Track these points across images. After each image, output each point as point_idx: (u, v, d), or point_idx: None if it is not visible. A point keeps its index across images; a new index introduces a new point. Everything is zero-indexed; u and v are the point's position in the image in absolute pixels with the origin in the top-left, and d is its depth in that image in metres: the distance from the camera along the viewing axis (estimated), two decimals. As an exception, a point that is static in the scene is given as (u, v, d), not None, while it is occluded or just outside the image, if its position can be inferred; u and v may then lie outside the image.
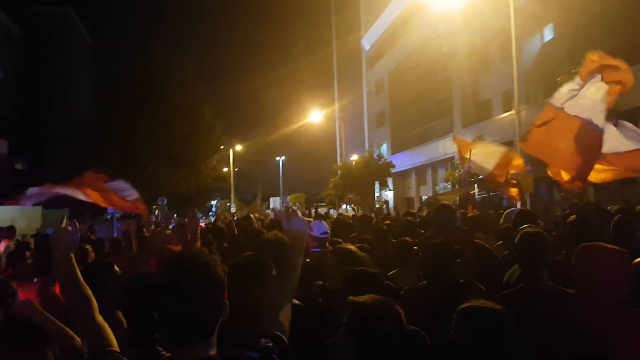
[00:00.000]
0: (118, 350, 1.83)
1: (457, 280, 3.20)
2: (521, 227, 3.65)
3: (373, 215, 10.20)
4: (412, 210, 17.21)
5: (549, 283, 2.96)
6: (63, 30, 69.30)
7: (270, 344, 1.77)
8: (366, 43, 57.53)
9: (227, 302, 1.65)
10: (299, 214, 2.85)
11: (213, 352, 1.61)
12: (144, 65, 32.74)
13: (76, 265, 2.06)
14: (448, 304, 2.22)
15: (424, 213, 12.50)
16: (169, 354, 1.70)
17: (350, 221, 8.64)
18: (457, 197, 17.54)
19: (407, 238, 5.01)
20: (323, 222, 5.79)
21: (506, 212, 6.43)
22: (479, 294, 2.37)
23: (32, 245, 9.03)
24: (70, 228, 2.06)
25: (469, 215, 6.35)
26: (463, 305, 2.17)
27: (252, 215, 9.64)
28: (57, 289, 4.39)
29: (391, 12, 48.57)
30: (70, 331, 2.46)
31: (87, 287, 2.05)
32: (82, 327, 1.99)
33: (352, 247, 3.52)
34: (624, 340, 2.34)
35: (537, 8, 25.81)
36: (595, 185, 18.26)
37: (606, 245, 2.76)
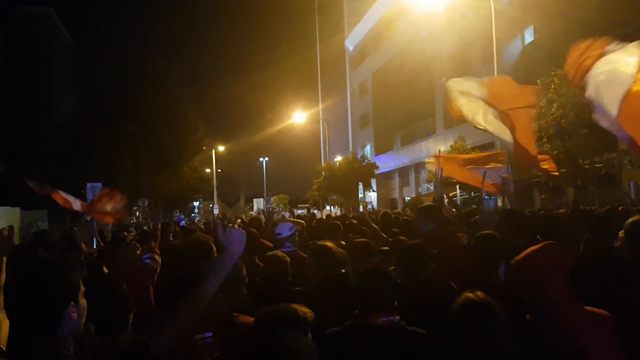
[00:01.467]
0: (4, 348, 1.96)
1: (430, 280, 3.23)
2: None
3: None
4: (397, 210, 17.24)
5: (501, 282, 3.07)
6: (44, 31, 68.39)
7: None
8: (350, 44, 57.68)
9: (73, 302, 1.75)
10: (286, 215, 2.96)
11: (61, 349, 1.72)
12: (126, 66, 32.45)
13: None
14: (421, 304, 2.24)
15: (408, 213, 12.53)
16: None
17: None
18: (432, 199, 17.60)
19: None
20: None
21: (482, 212, 6.30)
22: (452, 294, 2.39)
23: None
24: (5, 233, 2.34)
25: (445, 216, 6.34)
26: (459, 298, 2.26)
27: (233, 216, 9.57)
28: None
29: (375, 14, 48.77)
30: None
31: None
32: None
33: (330, 245, 3.52)
34: (583, 338, 2.29)
35: (518, 11, 26.12)
36: (575, 186, 18.55)
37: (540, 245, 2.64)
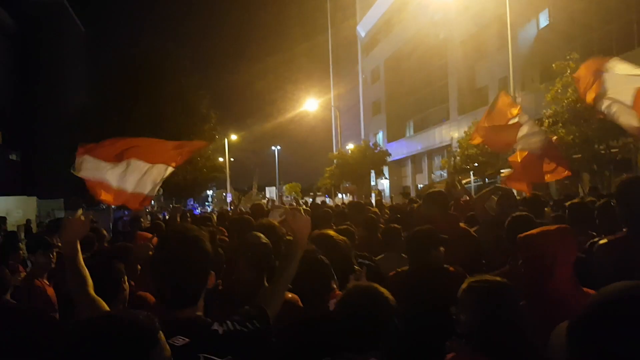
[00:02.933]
0: None
1: (440, 265, 3.21)
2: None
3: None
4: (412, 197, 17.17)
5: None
6: (57, 21, 68.62)
7: (252, 311, 1.95)
8: (362, 31, 57.22)
9: (212, 272, 1.92)
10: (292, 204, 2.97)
11: (199, 313, 1.86)
12: (138, 55, 32.47)
13: (79, 249, 2.37)
14: (430, 289, 2.22)
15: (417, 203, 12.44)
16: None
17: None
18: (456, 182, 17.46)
19: (395, 225, 4.99)
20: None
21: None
22: (462, 279, 2.36)
23: (22, 236, 8.96)
24: (83, 219, 2.42)
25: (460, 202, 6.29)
26: (471, 280, 2.24)
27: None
28: (44, 281, 4.37)
29: (387, -1, 48.32)
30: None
31: (85, 268, 2.33)
32: (79, 301, 2.23)
33: (331, 232, 3.49)
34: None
35: (533, -7, 25.71)
36: (591, 171, 18.31)
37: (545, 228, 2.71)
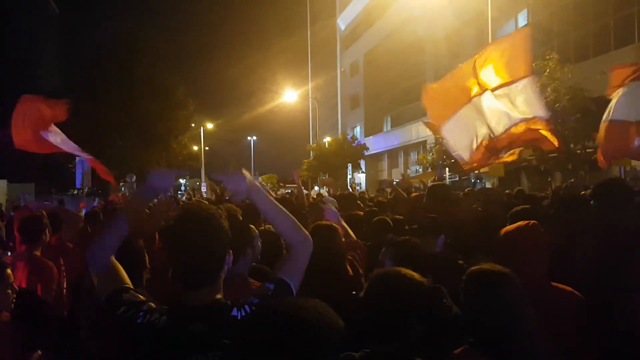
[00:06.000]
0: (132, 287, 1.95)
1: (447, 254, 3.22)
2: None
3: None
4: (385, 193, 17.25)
5: None
6: (30, 2, 66.93)
7: (272, 288, 1.88)
8: (342, 23, 57.10)
9: (231, 251, 1.89)
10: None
11: (219, 296, 1.82)
12: (113, 37, 31.83)
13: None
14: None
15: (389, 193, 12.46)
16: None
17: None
18: (429, 180, 17.53)
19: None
20: None
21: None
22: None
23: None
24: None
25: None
26: (473, 269, 2.22)
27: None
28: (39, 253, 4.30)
29: (368, -7, 48.27)
30: None
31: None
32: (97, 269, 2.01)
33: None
34: (546, 316, 2.32)
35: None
36: (565, 171, 18.66)
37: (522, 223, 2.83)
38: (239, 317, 1.74)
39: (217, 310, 1.77)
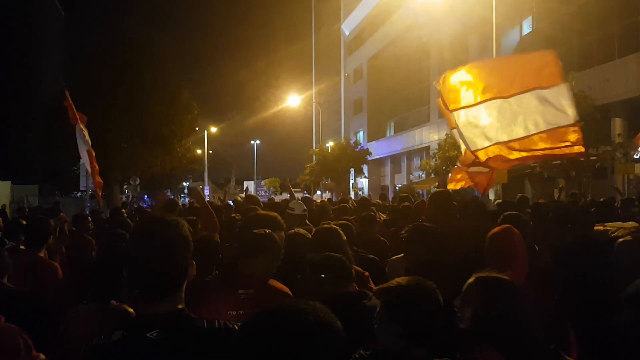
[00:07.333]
0: None
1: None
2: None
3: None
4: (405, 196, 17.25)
5: None
6: (36, 4, 67.23)
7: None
8: (346, 29, 57.23)
9: (193, 262, 1.83)
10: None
11: (181, 306, 1.72)
12: (120, 41, 31.88)
13: None
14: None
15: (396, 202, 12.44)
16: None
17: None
18: (431, 187, 17.53)
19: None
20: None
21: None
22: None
23: None
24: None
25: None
26: (477, 276, 2.25)
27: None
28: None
29: (373, -1, 48.37)
30: None
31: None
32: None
33: (333, 226, 3.57)
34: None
35: (518, -1, 26.04)
36: (568, 178, 18.65)
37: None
38: (204, 328, 1.68)
39: (179, 317, 1.69)
